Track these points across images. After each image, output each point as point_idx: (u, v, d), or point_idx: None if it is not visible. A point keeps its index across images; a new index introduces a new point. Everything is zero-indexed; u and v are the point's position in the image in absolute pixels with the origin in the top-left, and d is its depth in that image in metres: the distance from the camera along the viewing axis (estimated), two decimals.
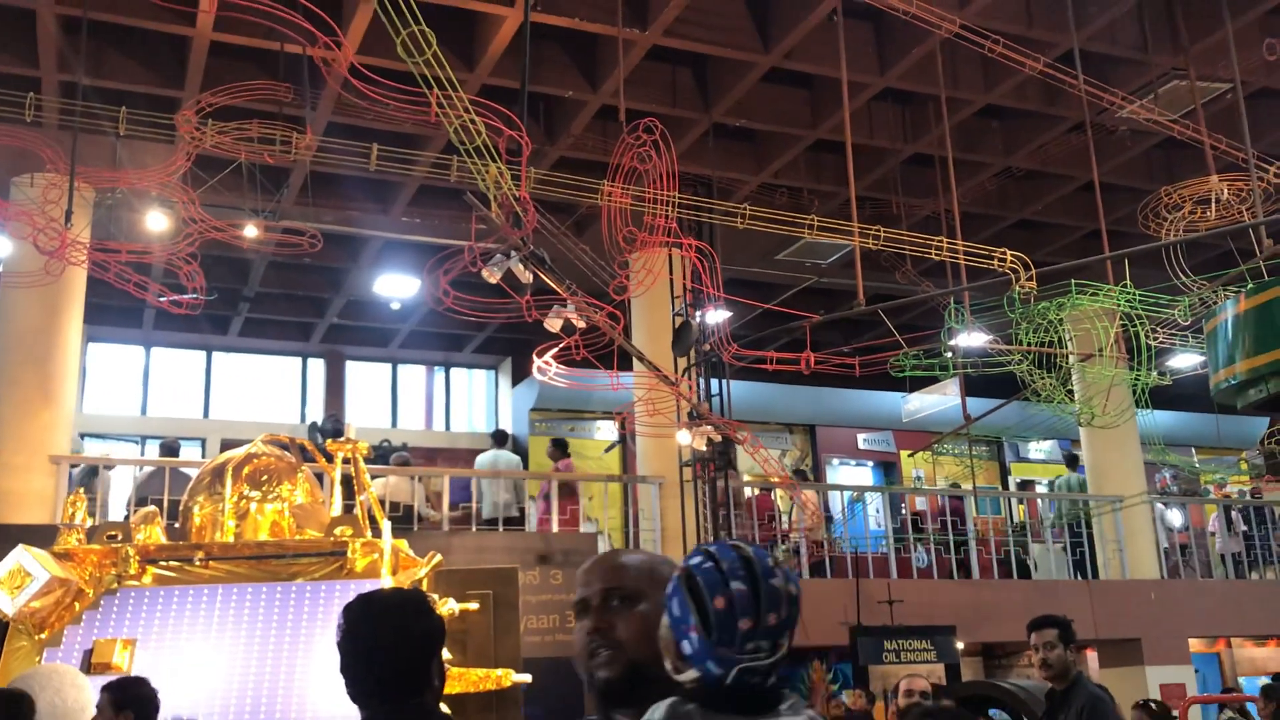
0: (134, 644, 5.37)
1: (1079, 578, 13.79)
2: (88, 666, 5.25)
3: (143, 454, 16.37)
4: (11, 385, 10.24)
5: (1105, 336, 11.83)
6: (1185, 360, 14.70)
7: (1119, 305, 10.88)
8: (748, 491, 13.77)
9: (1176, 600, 13.39)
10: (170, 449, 11.98)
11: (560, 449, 13.16)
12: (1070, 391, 13.02)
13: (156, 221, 9.80)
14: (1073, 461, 15.53)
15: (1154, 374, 11.69)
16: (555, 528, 11.38)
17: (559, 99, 11.40)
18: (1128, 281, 10.48)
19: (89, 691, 3.88)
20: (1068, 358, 12.73)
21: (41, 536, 6.10)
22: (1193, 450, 20.76)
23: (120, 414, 17.12)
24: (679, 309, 11.12)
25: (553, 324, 7.88)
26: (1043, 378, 11.71)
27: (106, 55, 10.24)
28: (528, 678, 5.69)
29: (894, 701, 6.43)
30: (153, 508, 6.32)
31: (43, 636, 5.43)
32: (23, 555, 5.35)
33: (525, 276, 7.36)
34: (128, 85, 10.32)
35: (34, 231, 8.40)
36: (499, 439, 14.16)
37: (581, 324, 7.98)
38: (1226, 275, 10.54)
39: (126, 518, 9.33)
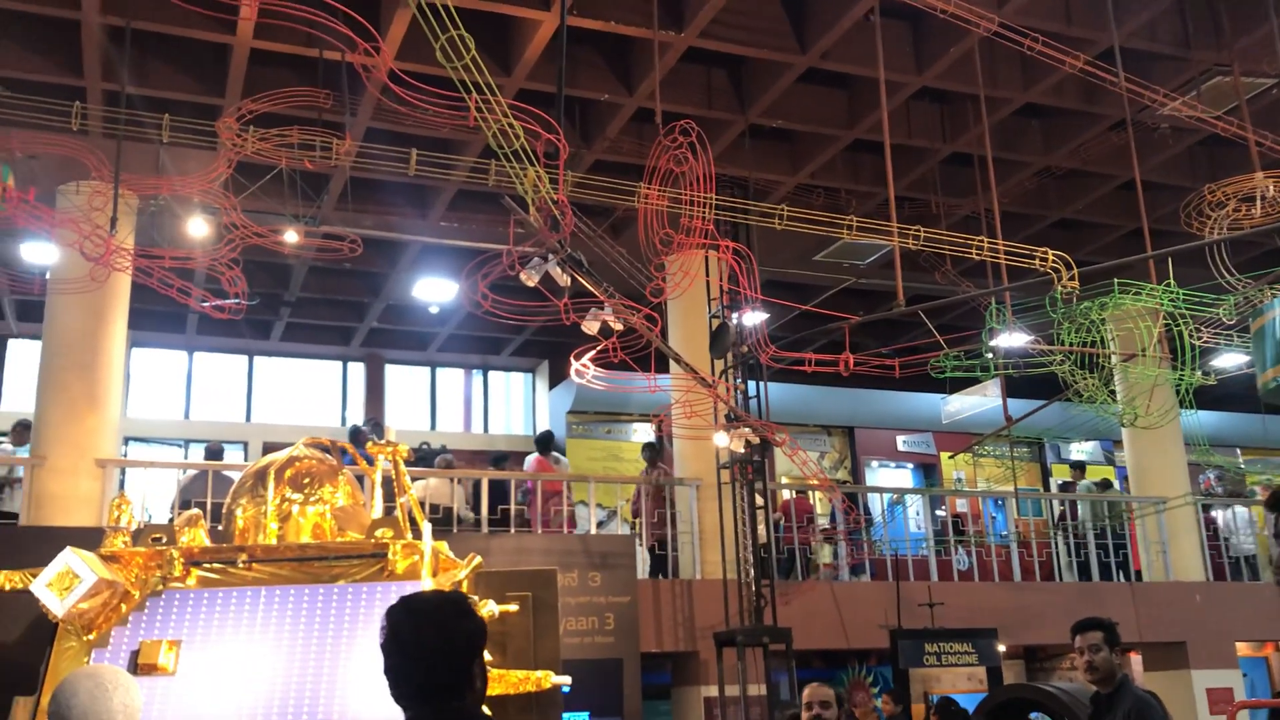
0: (179, 645, 5.43)
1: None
2: (134, 667, 5.32)
3: (186, 457, 16.56)
4: (58, 390, 10.39)
5: (1148, 336, 11.69)
6: (1230, 360, 14.50)
7: (1162, 304, 10.75)
8: (785, 494, 13.72)
9: (1223, 603, 13.21)
10: (214, 453, 12.12)
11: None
12: (1113, 392, 12.88)
13: (199, 227, 9.92)
14: (1080, 468, 15.34)
15: (1198, 374, 11.55)
16: (539, 529, 11.48)
17: (595, 102, 11.42)
18: (1171, 280, 10.35)
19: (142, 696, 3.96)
20: (1110, 358, 12.59)
21: (88, 539, 6.19)
22: (1238, 451, 20.48)
23: (164, 418, 17.33)
24: (716, 311, 11.10)
25: (590, 326, 7.90)
26: (1085, 378, 11.59)
27: (149, 64, 10.37)
28: (567, 679, 5.70)
29: (805, 708, 6.20)
30: (196, 510, 6.39)
31: (90, 637, 5.51)
32: (71, 557, 5.43)
33: (563, 279, 7.38)
34: (170, 93, 10.45)
35: (80, 238, 8.53)
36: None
37: (619, 326, 7.99)
38: (1273, 274, 10.39)
39: (171, 520, 9.45)
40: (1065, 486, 17.72)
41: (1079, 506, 14.45)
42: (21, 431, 11.60)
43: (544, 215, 7.09)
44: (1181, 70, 10.97)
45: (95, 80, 10.12)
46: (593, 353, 9.14)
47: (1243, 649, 13.91)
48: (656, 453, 12.65)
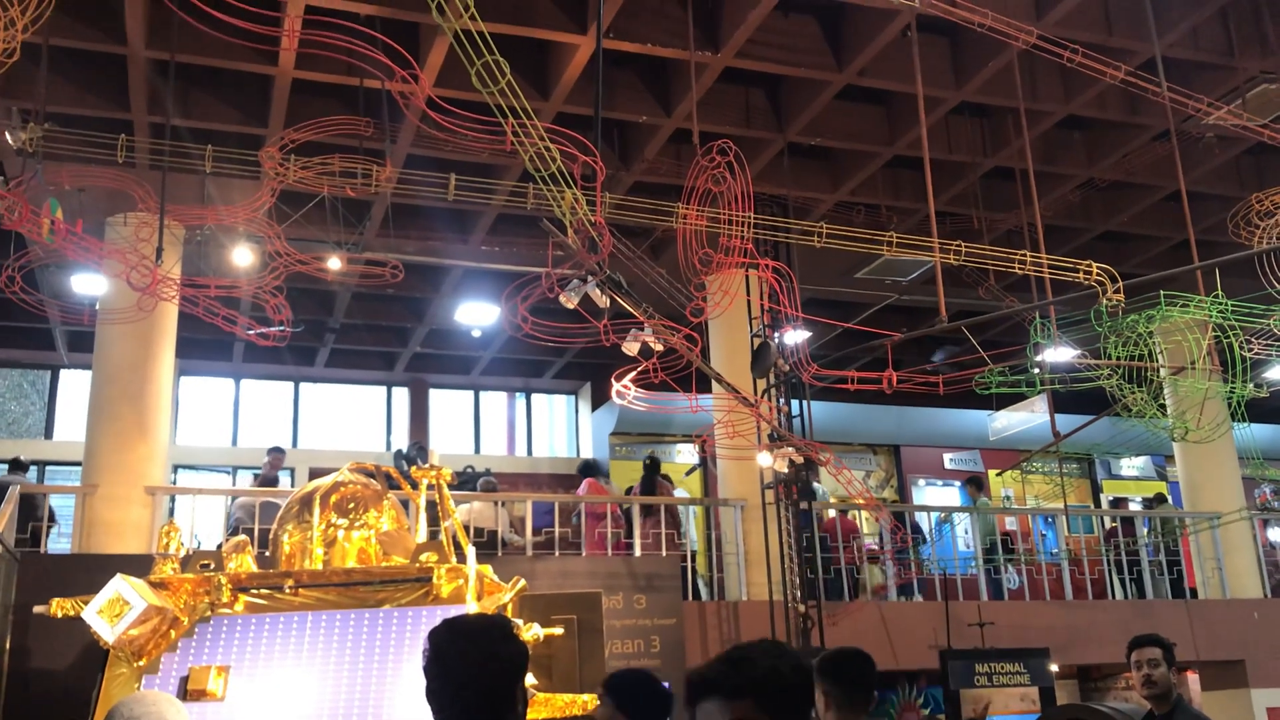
0: (228, 670, 5.47)
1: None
2: (184, 693, 5.36)
3: (234, 484, 16.73)
4: (109, 419, 10.54)
5: (1198, 349, 11.51)
6: None
7: (1211, 316, 10.57)
8: (830, 513, 13.61)
9: None
10: (269, 480, 12.21)
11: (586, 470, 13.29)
12: (1163, 406, 12.69)
13: (243, 256, 10.05)
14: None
15: (1250, 386, 11.35)
16: (584, 551, 11.42)
17: (633, 124, 11.45)
18: (1219, 292, 10.18)
19: None
20: (1159, 371, 12.41)
21: (138, 566, 6.26)
22: None
23: (212, 445, 17.53)
24: (757, 330, 11.06)
25: (630, 347, 7.90)
26: (1134, 392, 11.42)
27: (193, 96, 10.54)
28: None
29: None
30: (243, 536, 6.44)
31: (141, 664, 5.56)
32: (121, 584, 5.49)
33: (602, 301, 7.39)
34: (214, 124, 10.61)
35: (127, 269, 8.65)
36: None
37: (659, 347, 7.99)
38: None
39: (219, 545, 9.55)
40: (1117, 503, 17.46)
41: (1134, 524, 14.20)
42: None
43: (582, 237, 7.11)
44: (1226, 79, 10.82)
45: (141, 113, 10.29)
46: (633, 374, 9.14)
47: None
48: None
